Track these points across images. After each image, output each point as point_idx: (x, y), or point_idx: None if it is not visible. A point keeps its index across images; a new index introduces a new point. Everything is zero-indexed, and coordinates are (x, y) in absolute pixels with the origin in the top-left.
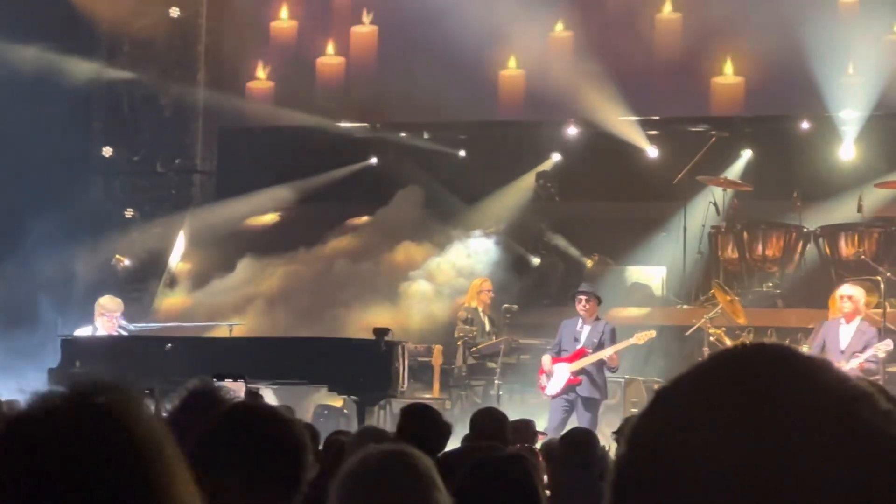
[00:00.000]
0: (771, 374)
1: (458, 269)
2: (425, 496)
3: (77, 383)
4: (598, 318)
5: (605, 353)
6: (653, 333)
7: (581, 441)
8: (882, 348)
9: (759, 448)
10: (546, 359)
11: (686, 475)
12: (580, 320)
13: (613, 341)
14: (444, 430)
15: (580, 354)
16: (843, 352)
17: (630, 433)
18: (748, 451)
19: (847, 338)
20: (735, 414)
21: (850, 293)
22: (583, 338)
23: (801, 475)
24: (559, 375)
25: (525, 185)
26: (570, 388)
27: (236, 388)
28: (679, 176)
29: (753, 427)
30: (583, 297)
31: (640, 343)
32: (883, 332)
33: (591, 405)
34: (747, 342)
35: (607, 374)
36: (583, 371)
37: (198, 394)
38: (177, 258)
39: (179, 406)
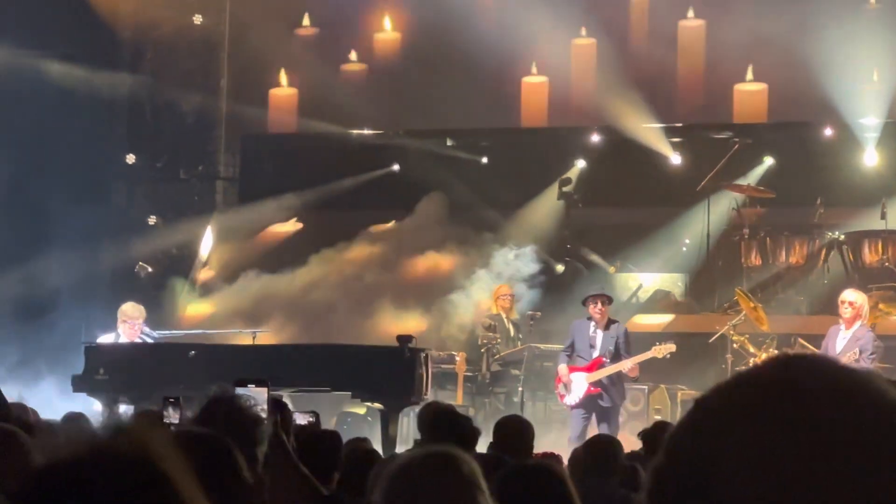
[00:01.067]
0: (816, 386)
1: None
2: (469, 498)
3: (102, 429)
4: (609, 321)
5: (625, 366)
6: (672, 347)
7: (604, 449)
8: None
9: (805, 461)
10: (563, 368)
11: (728, 487)
12: (592, 324)
13: (628, 344)
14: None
15: (597, 364)
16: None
17: (669, 442)
18: (794, 464)
19: (843, 342)
20: (780, 426)
21: (851, 299)
22: (598, 344)
23: (847, 489)
24: (578, 386)
25: (550, 192)
26: (589, 397)
27: (259, 394)
28: (703, 183)
29: (799, 440)
30: (598, 300)
31: (658, 357)
32: None
33: (611, 413)
34: (789, 352)
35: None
36: (600, 381)
37: (218, 401)
38: (207, 249)
39: (200, 414)
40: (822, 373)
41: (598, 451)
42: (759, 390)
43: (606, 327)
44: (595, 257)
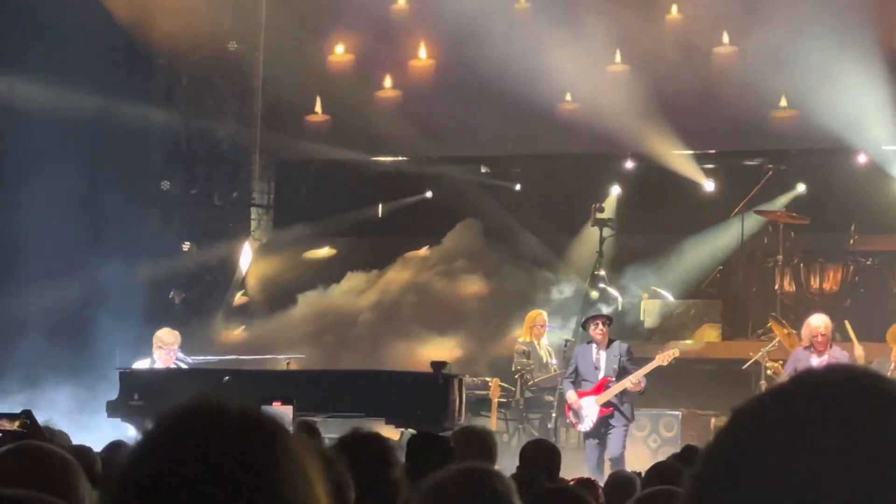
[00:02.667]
0: (853, 397)
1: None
2: None
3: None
4: (610, 341)
5: (629, 382)
6: (676, 352)
7: (623, 486)
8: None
9: (842, 471)
10: (572, 395)
11: (765, 496)
12: (594, 347)
13: (633, 361)
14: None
15: (604, 384)
16: None
17: (706, 451)
18: (831, 475)
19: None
20: (817, 437)
21: (820, 326)
22: (602, 365)
23: (884, 499)
24: (589, 410)
25: (584, 219)
26: (602, 419)
27: (285, 412)
28: (736, 209)
29: (836, 450)
30: (599, 321)
31: (664, 364)
32: None
33: (620, 433)
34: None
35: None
36: (610, 401)
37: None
38: (242, 275)
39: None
40: (860, 383)
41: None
42: (796, 401)
43: (609, 347)
44: (629, 283)
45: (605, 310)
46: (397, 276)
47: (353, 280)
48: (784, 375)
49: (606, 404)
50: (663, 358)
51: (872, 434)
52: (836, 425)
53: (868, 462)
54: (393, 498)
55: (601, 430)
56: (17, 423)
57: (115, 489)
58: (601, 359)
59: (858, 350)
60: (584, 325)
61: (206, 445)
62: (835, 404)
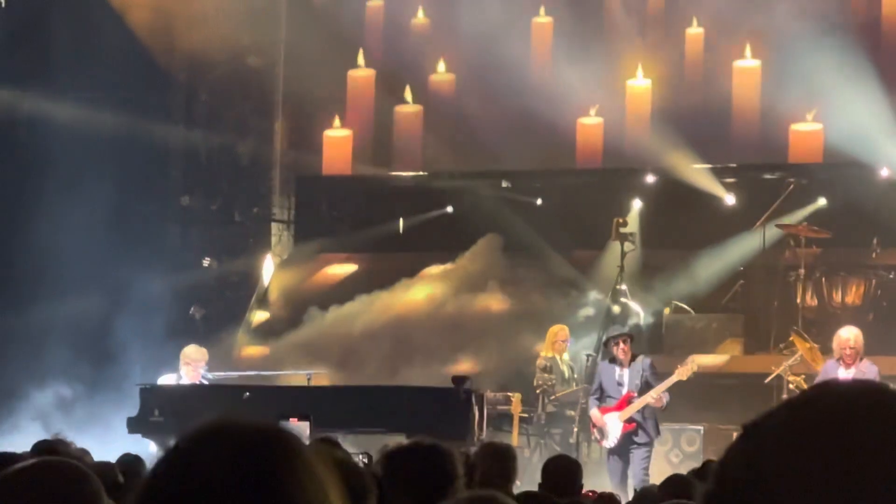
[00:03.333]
0: (867, 412)
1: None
2: None
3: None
4: (633, 356)
5: (651, 397)
6: (696, 367)
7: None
8: None
9: (855, 487)
10: (595, 412)
11: None
12: (617, 365)
13: (656, 376)
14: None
15: (627, 400)
16: None
17: (718, 468)
18: (845, 490)
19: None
20: (830, 452)
21: (850, 339)
22: (626, 381)
23: None
24: (613, 426)
25: (605, 233)
26: (625, 435)
27: (301, 429)
28: (758, 223)
29: (850, 465)
30: (621, 340)
31: (683, 378)
32: None
33: (644, 449)
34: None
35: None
36: (633, 417)
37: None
38: (262, 291)
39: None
40: (873, 398)
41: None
42: (809, 416)
43: (632, 363)
44: (650, 298)
45: (626, 327)
46: (418, 291)
47: (373, 295)
48: None
49: (629, 420)
50: (682, 373)
51: (884, 451)
52: (848, 442)
53: (880, 480)
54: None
55: (625, 446)
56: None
57: (145, 494)
58: (624, 375)
59: None
60: (606, 344)
61: (225, 462)
62: (846, 420)
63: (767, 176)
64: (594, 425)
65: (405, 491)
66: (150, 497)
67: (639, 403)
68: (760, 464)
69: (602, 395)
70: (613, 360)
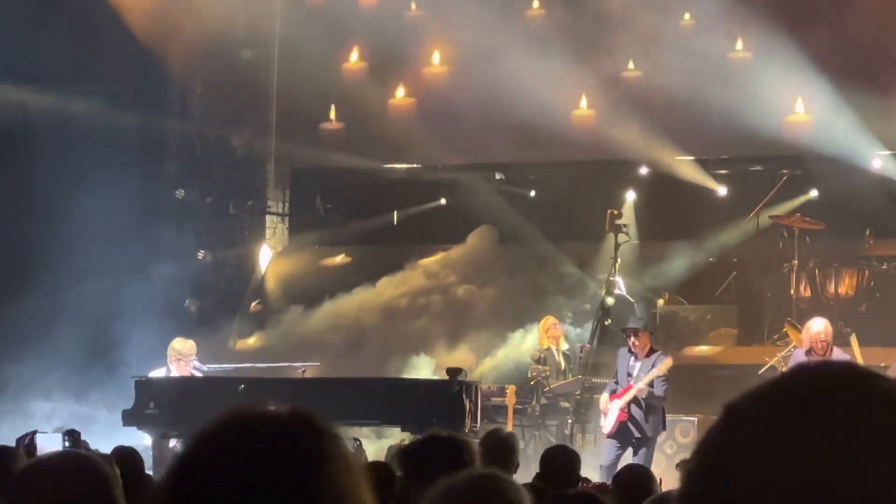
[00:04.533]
0: (843, 391)
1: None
2: None
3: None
4: (652, 350)
5: (639, 386)
6: (669, 362)
7: (636, 480)
8: None
9: (831, 464)
10: (604, 396)
11: (757, 489)
12: (632, 355)
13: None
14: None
15: (627, 391)
16: None
17: (700, 446)
18: (821, 467)
19: None
20: (808, 430)
21: (822, 332)
22: (635, 373)
23: (872, 491)
24: (612, 413)
25: (599, 225)
26: (621, 424)
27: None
28: (751, 214)
29: (818, 446)
30: (630, 333)
31: (660, 374)
32: None
33: (644, 444)
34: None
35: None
36: (628, 409)
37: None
38: (257, 283)
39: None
40: (849, 378)
41: (630, 483)
42: (788, 395)
43: (647, 357)
44: (644, 289)
45: (640, 321)
46: (412, 283)
47: (368, 287)
48: None
49: (627, 410)
50: (660, 368)
51: (862, 430)
52: (827, 421)
53: (854, 457)
54: None
55: (625, 435)
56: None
57: (167, 494)
58: (636, 367)
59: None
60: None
61: (256, 450)
62: (825, 400)
63: (760, 167)
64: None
65: (429, 482)
66: (180, 487)
67: (630, 394)
68: (738, 442)
69: (617, 383)
70: (631, 349)
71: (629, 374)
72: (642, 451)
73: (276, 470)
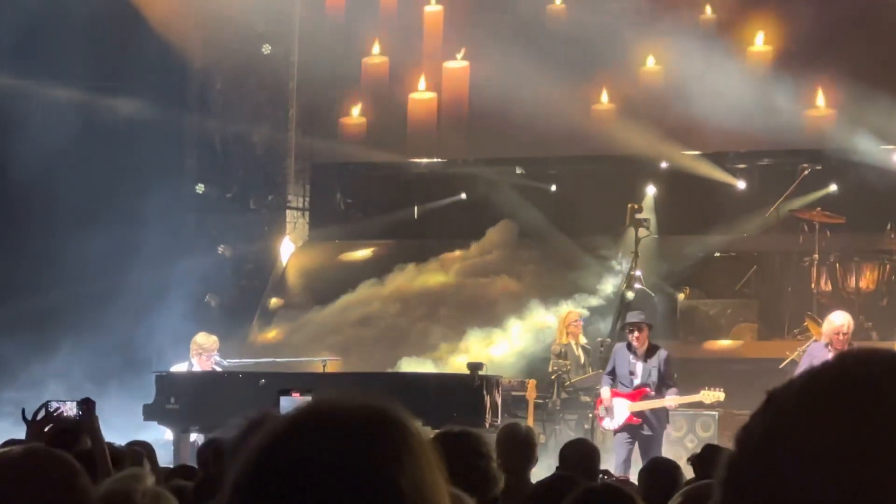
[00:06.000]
0: (883, 380)
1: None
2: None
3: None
4: (651, 346)
5: (667, 403)
6: (721, 396)
7: (664, 472)
8: None
9: (868, 455)
10: (606, 391)
11: (799, 478)
12: (632, 353)
13: (670, 371)
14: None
15: (641, 394)
16: None
17: (741, 434)
18: (864, 457)
19: None
20: (852, 420)
21: (845, 325)
22: (638, 372)
23: None
24: (619, 411)
25: (620, 219)
26: (629, 425)
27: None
28: (771, 209)
29: (862, 433)
30: (634, 328)
31: (706, 402)
32: None
33: (652, 441)
34: (862, 348)
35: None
36: (641, 413)
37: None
38: (278, 277)
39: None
40: (892, 365)
41: (659, 475)
42: (831, 384)
43: (648, 353)
44: (665, 284)
45: (643, 315)
46: (434, 277)
47: (389, 282)
48: (800, 370)
49: (638, 415)
50: (706, 396)
51: None
52: (875, 409)
53: (891, 451)
54: (490, 487)
55: (633, 431)
56: (72, 410)
57: (245, 494)
58: (638, 366)
59: None
60: (623, 329)
61: (331, 445)
62: (872, 387)
63: (781, 161)
64: (601, 402)
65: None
66: (259, 485)
67: (655, 403)
68: (779, 429)
69: (614, 379)
70: (630, 345)
71: (631, 373)
72: (653, 447)
73: (359, 466)
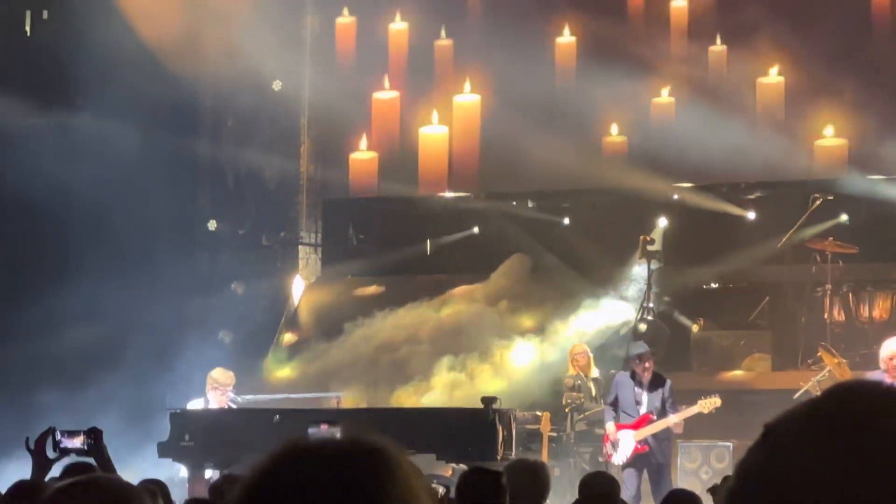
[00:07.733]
0: (885, 412)
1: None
2: None
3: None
4: (655, 376)
5: (671, 422)
6: (717, 402)
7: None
8: None
9: (872, 484)
10: (611, 426)
11: None
12: (636, 383)
13: (674, 400)
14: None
15: (645, 421)
16: None
17: (740, 466)
18: (861, 487)
19: None
20: (848, 451)
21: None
22: (644, 400)
23: None
24: (625, 443)
25: (632, 251)
26: (636, 456)
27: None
28: (783, 239)
29: (860, 463)
30: (642, 359)
31: (704, 412)
32: None
33: (663, 471)
34: (857, 380)
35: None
36: (646, 440)
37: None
38: (291, 313)
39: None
40: (888, 396)
41: None
42: (828, 415)
43: (652, 383)
44: (678, 315)
45: (644, 345)
46: (447, 312)
47: (402, 317)
48: None
49: (643, 442)
50: (704, 405)
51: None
52: (867, 439)
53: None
54: None
55: (641, 463)
56: (79, 440)
57: None
58: (643, 395)
59: None
60: (629, 361)
61: (321, 479)
62: (865, 418)
63: (793, 192)
64: (607, 438)
65: None
66: None
67: (658, 426)
68: (778, 461)
69: (618, 410)
70: (633, 375)
71: (637, 402)
72: (663, 477)
73: (345, 495)
